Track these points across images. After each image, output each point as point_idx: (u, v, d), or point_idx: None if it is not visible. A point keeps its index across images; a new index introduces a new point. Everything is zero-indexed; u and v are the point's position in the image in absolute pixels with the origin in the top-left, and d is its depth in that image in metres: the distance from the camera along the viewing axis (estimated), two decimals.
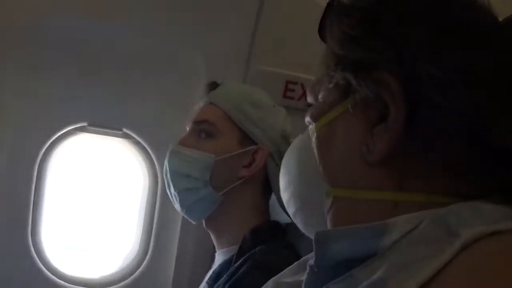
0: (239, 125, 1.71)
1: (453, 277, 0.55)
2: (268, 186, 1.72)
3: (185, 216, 1.78)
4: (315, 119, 0.81)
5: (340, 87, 0.75)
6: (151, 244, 2.28)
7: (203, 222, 1.77)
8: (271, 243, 1.59)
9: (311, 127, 0.83)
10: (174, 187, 1.72)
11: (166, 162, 1.75)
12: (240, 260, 1.54)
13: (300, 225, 0.93)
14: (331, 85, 0.77)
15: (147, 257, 2.29)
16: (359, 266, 0.64)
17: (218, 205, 1.69)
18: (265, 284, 0.98)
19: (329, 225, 0.79)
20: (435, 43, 0.67)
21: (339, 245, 0.69)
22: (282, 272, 1.00)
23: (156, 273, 2.29)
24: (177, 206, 1.76)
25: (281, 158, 1.62)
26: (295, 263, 1.00)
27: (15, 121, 2.09)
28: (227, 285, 1.49)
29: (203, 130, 1.72)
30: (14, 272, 2.18)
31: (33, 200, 2.18)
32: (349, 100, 0.73)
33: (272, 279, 1.00)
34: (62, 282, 2.24)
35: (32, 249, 2.20)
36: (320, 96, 0.82)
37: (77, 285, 2.26)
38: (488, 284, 0.52)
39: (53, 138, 2.17)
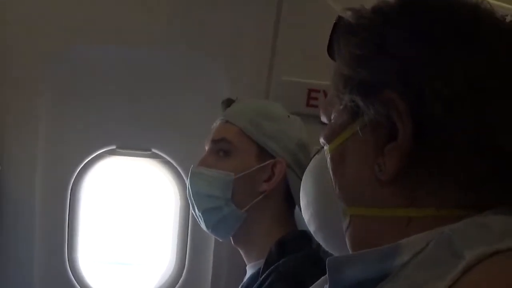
0: (255, 140, 1.71)
1: None
2: (291, 197, 1.71)
3: (212, 234, 1.81)
4: (328, 140, 0.83)
5: (349, 109, 0.76)
6: (187, 260, 2.29)
7: (231, 239, 1.77)
8: (295, 254, 1.58)
9: (326, 148, 0.84)
10: (197, 207, 1.74)
11: (188, 184, 1.76)
12: (266, 273, 1.54)
13: (321, 242, 0.94)
14: (341, 107, 0.78)
15: (184, 273, 2.31)
16: None
17: (244, 222, 1.70)
18: None
19: (348, 243, 0.81)
20: (440, 59, 0.67)
21: (351, 270, 0.70)
22: None
23: (194, 286, 2.31)
24: (202, 225, 1.77)
25: (300, 167, 1.63)
26: (321, 279, 1.01)
27: (48, 148, 2.14)
28: None
29: (221, 148, 1.72)
30: None
31: (68, 221, 2.22)
32: (359, 122, 0.74)
33: None
34: None
35: (69, 269, 2.24)
36: (332, 117, 0.83)
37: None
38: None
39: (84, 162, 2.21)
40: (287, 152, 1.71)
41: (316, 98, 2.08)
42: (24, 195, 2.14)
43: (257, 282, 1.54)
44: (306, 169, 0.98)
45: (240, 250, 1.78)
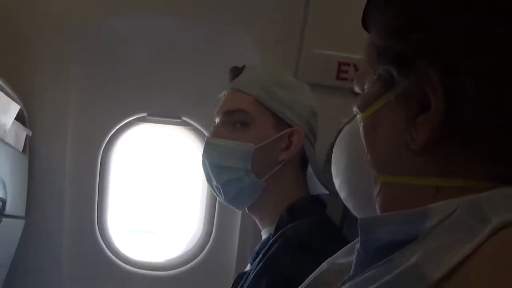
0: (271, 110, 1.68)
1: (479, 263, 0.57)
2: (305, 163, 1.74)
3: (230, 205, 1.78)
4: (361, 109, 0.84)
5: (383, 79, 0.77)
6: (214, 226, 2.33)
7: (246, 208, 1.77)
8: (304, 219, 1.57)
9: (358, 116, 0.86)
10: (216, 180, 1.73)
11: (203, 156, 1.74)
12: (274, 238, 1.54)
13: (351, 208, 0.96)
14: (374, 77, 0.79)
15: (211, 239, 2.34)
16: (400, 250, 0.66)
17: (261, 193, 1.69)
18: (321, 265, 1.01)
19: (378, 209, 0.83)
20: (475, 35, 0.68)
21: (382, 231, 0.72)
22: (336, 254, 1.03)
23: (220, 254, 2.34)
24: (220, 198, 1.76)
25: (313, 134, 1.65)
26: (349, 244, 1.03)
27: (80, 115, 2.17)
28: (261, 263, 1.48)
29: (238, 120, 1.69)
30: (81, 256, 2.26)
31: (98, 188, 2.26)
32: (392, 92, 0.75)
33: (327, 260, 1.03)
34: (127, 266, 2.32)
35: (98, 234, 2.29)
36: (365, 87, 0.84)
37: (142, 269, 2.33)
38: (509, 269, 0.55)
39: (115, 129, 2.24)
40: (302, 120, 1.70)
41: (346, 71, 2.08)
42: (55, 161, 2.17)
43: (266, 247, 1.53)
44: (338, 137, 1.00)
45: (254, 217, 1.78)
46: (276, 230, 1.59)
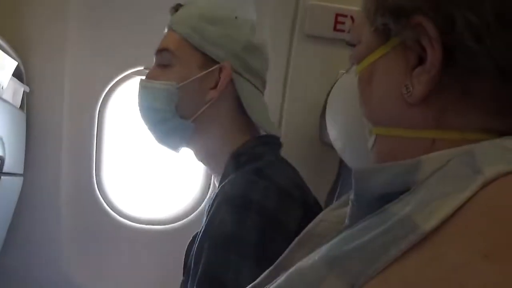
0: (198, 48, 1.59)
1: (470, 213, 0.58)
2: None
3: (165, 147, 1.72)
4: (357, 61, 0.84)
5: (381, 31, 0.77)
6: (212, 179, 2.33)
7: (194, 155, 1.71)
8: (244, 169, 1.50)
9: (354, 67, 0.86)
10: (145, 121, 1.68)
11: (137, 99, 1.68)
12: (217, 191, 1.49)
13: (346, 160, 0.97)
14: (372, 29, 0.79)
15: (209, 192, 2.36)
16: (393, 201, 0.67)
17: (194, 133, 1.62)
18: (317, 217, 1.02)
19: (373, 161, 0.83)
20: None
21: (376, 181, 0.73)
22: (334, 204, 1.04)
23: None
24: (155, 139, 1.71)
25: (249, 71, 1.56)
26: (345, 195, 1.04)
27: (78, 70, 2.17)
28: (204, 222, 1.45)
29: (164, 59, 1.62)
30: (80, 214, 2.29)
31: (96, 144, 2.27)
32: (389, 44, 0.76)
33: (324, 210, 1.03)
34: (128, 222, 2.34)
35: (97, 190, 2.30)
36: (362, 38, 0.84)
37: (142, 224, 2.36)
38: (499, 220, 0.56)
39: (112, 82, 2.24)
40: (234, 57, 1.60)
41: (343, 23, 2.08)
42: (52, 115, 2.18)
43: (210, 201, 1.49)
44: (334, 87, 1.00)
45: (204, 165, 1.74)
46: (221, 180, 1.55)
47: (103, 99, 2.25)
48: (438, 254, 0.57)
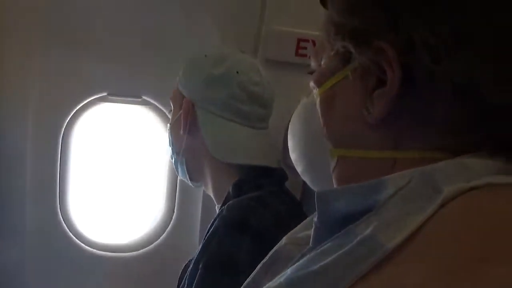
0: (179, 90, 1.74)
1: (432, 231, 0.59)
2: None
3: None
4: (318, 84, 0.85)
5: (341, 55, 0.78)
6: (176, 205, 2.34)
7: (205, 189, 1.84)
8: (242, 196, 1.57)
9: (315, 91, 0.87)
10: None
11: None
12: (216, 216, 1.55)
13: (308, 183, 0.97)
14: (332, 52, 0.80)
15: (172, 220, 2.36)
16: (357, 221, 0.67)
17: (195, 169, 1.78)
18: (280, 240, 1.02)
19: (334, 183, 0.84)
20: (429, 9, 0.68)
21: (338, 203, 0.73)
22: (297, 227, 1.04)
23: (181, 235, 2.35)
24: None
25: (212, 102, 1.65)
26: (308, 217, 1.04)
27: (40, 95, 2.14)
28: (200, 246, 1.49)
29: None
30: (43, 239, 2.25)
31: (60, 171, 2.24)
32: (349, 67, 0.77)
33: (287, 234, 1.04)
34: (92, 249, 2.32)
35: (60, 217, 2.27)
36: (322, 62, 0.85)
37: (104, 251, 2.34)
38: (459, 238, 0.56)
39: (76, 108, 2.22)
40: (194, 91, 1.70)
41: (305, 48, 2.09)
42: (16, 142, 2.16)
43: (210, 225, 1.54)
44: (294, 113, 1.00)
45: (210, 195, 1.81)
46: (221, 207, 1.60)
47: (66, 125, 2.22)
48: (400, 273, 0.57)
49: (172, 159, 1.83)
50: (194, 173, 1.80)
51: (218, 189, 1.72)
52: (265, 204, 1.52)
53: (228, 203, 1.55)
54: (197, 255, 1.47)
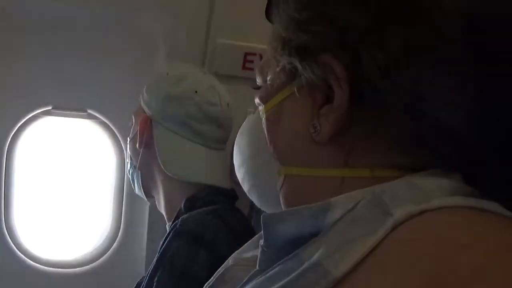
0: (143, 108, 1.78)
1: (381, 257, 0.58)
2: None
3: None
4: (264, 100, 0.84)
5: (287, 71, 0.77)
6: (122, 221, 2.32)
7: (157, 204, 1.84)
8: (196, 210, 1.59)
9: (261, 108, 0.85)
10: None
11: None
12: (168, 231, 1.56)
13: (255, 201, 0.96)
14: (278, 68, 0.79)
15: (119, 235, 2.33)
16: (304, 246, 0.66)
17: (145, 182, 1.80)
18: (227, 260, 1.01)
19: (282, 201, 0.82)
20: (377, 26, 0.68)
21: (285, 226, 0.72)
22: (243, 246, 1.03)
23: (128, 250, 2.33)
24: None
25: (169, 119, 1.67)
26: (255, 237, 1.03)
27: None
28: (155, 261, 1.50)
29: None
30: None
31: (4, 185, 2.21)
32: (296, 83, 0.76)
33: (233, 254, 1.02)
34: (36, 264, 2.28)
35: (6, 233, 2.23)
36: (268, 78, 0.83)
37: (51, 267, 2.30)
38: (410, 264, 0.55)
39: (20, 123, 2.18)
40: (153, 107, 1.73)
41: (252, 61, 2.09)
42: None
43: (163, 240, 1.55)
44: (240, 129, 0.99)
45: (164, 215, 1.81)
46: (173, 221, 1.61)
47: (11, 139, 2.19)
48: None
49: (129, 173, 1.85)
50: (148, 188, 1.81)
51: (170, 206, 1.73)
52: (220, 218, 1.54)
53: (182, 216, 1.56)
54: (151, 270, 1.48)
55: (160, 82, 1.74)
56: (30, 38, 2.08)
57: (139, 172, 1.78)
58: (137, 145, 1.72)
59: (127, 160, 1.86)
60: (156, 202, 1.82)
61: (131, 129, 1.82)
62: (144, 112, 1.74)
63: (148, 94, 1.74)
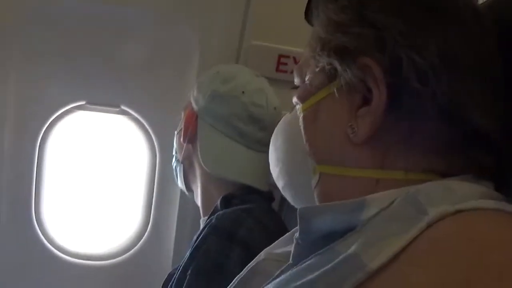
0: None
1: (416, 253, 0.59)
2: None
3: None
4: (302, 100, 0.85)
5: (326, 71, 0.78)
6: (151, 217, 2.32)
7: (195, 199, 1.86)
8: (232, 208, 1.59)
9: (298, 107, 0.86)
10: None
11: None
12: (203, 227, 1.57)
13: (289, 199, 0.97)
14: (317, 69, 0.80)
15: (148, 230, 2.33)
16: (339, 240, 0.67)
17: (186, 176, 1.84)
18: (258, 255, 1.02)
19: (316, 200, 0.83)
20: (416, 30, 0.69)
21: (321, 220, 0.73)
22: (275, 243, 1.04)
23: (156, 245, 2.33)
24: None
25: (213, 116, 1.69)
26: (287, 234, 1.04)
27: (17, 102, 2.12)
28: (188, 254, 1.50)
29: None
30: (18, 247, 2.23)
31: (36, 178, 2.22)
32: (334, 84, 0.77)
33: (265, 249, 1.03)
34: (65, 256, 2.30)
35: (36, 225, 2.24)
36: (306, 78, 0.84)
37: (79, 259, 2.32)
38: (444, 260, 0.56)
39: (53, 117, 2.20)
40: (200, 104, 1.74)
41: (285, 64, 2.09)
42: None
43: (197, 235, 1.55)
44: (276, 128, 1.00)
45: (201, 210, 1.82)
46: (209, 217, 1.61)
47: (44, 133, 2.20)
48: None
49: (173, 165, 1.89)
50: (188, 182, 1.85)
51: (207, 201, 1.75)
52: (254, 217, 1.54)
53: (218, 212, 1.57)
54: (185, 262, 1.48)
55: (209, 79, 1.76)
56: (66, 34, 2.10)
57: (182, 166, 1.82)
58: (182, 139, 1.76)
59: (174, 154, 1.89)
60: (195, 196, 1.85)
61: (179, 123, 1.84)
62: (192, 108, 1.75)
63: (197, 90, 1.76)
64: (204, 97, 1.73)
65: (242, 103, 1.68)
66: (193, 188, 1.84)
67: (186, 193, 1.90)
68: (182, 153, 1.78)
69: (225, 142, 1.69)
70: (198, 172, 1.77)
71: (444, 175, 0.70)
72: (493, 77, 0.70)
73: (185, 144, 1.75)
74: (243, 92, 1.69)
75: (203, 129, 1.72)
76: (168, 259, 2.29)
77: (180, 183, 1.89)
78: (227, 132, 1.69)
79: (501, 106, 0.70)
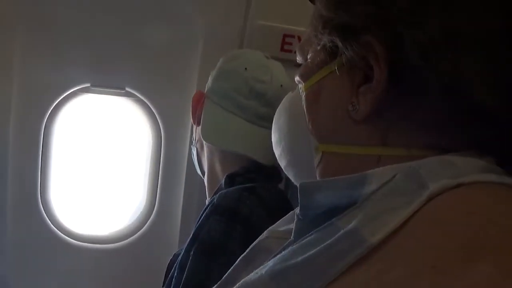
0: None
1: (417, 226, 0.59)
2: None
3: None
4: (304, 78, 0.85)
5: (328, 49, 0.78)
6: (157, 199, 2.33)
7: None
8: (235, 187, 1.60)
9: (300, 86, 0.86)
10: None
11: None
12: (206, 206, 1.57)
13: (291, 177, 0.97)
14: (319, 47, 0.80)
15: (153, 212, 2.35)
16: (340, 215, 0.67)
17: (198, 158, 1.84)
18: (262, 234, 1.02)
19: (318, 178, 0.83)
20: (418, 7, 0.68)
21: (322, 195, 0.73)
22: (279, 221, 1.04)
23: (163, 227, 2.35)
24: None
25: (217, 94, 1.71)
26: (290, 212, 1.04)
27: (22, 85, 2.12)
28: (192, 232, 1.51)
29: None
30: (24, 230, 2.24)
31: (41, 161, 2.23)
32: (336, 62, 0.76)
33: (269, 228, 1.03)
34: (70, 239, 2.31)
35: (41, 207, 2.26)
36: (308, 57, 0.84)
37: (85, 242, 2.33)
38: (445, 233, 0.56)
39: (58, 100, 2.20)
40: (208, 85, 1.77)
41: (290, 43, 2.09)
42: None
43: (200, 215, 1.56)
44: (279, 106, 1.00)
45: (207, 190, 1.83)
46: (213, 197, 1.62)
47: (49, 115, 2.21)
48: (385, 267, 0.57)
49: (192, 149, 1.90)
50: (201, 165, 1.85)
51: (212, 181, 1.75)
52: (257, 195, 1.55)
53: (220, 192, 1.58)
54: (188, 243, 1.49)
55: (220, 62, 1.77)
56: (70, 15, 2.10)
57: (195, 148, 1.84)
58: (192, 121, 1.78)
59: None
60: (204, 177, 1.84)
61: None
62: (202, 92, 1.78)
63: (210, 75, 1.78)
64: (211, 77, 1.76)
65: (243, 78, 1.69)
66: (203, 172, 1.84)
67: (202, 177, 1.88)
68: (194, 134, 1.82)
69: (224, 116, 1.70)
70: (205, 153, 1.77)
71: (446, 151, 0.70)
72: (498, 53, 0.69)
73: (195, 127, 1.78)
74: (245, 68, 1.70)
75: (207, 106, 1.73)
76: (175, 241, 2.30)
77: (197, 166, 1.90)
78: (227, 106, 1.70)
79: (505, 83, 0.70)
